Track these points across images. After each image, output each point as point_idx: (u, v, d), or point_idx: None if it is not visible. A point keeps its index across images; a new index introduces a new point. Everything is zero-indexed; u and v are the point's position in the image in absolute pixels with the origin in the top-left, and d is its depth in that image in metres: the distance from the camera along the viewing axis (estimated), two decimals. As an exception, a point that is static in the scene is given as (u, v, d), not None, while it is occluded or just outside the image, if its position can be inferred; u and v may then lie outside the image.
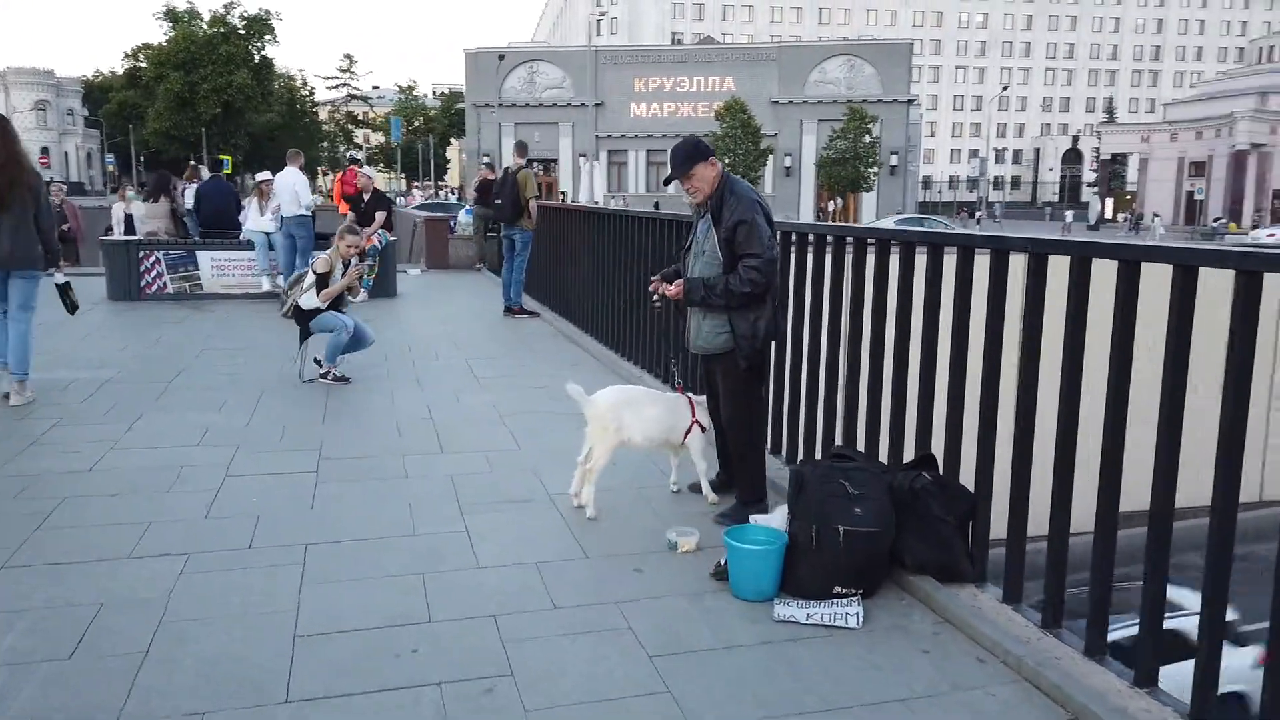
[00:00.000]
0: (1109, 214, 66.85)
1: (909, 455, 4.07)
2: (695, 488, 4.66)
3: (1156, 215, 57.69)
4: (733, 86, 55.28)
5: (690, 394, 4.61)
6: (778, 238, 4.47)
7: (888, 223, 36.10)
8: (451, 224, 17.31)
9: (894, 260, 4.12)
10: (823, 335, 4.63)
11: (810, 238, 4.94)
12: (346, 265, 7.34)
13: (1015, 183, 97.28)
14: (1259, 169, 57.52)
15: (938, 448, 3.82)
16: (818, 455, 4.53)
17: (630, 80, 58.17)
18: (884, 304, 4.24)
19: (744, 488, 4.36)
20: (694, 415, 4.49)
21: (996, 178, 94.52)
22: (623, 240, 8.03)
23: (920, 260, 3.96)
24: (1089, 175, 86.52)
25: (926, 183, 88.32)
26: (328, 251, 7.44)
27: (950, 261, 3.72)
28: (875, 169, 49.23)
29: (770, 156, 50.35)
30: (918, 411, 3.94)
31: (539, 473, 5.00)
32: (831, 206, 50.53)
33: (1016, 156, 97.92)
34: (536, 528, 4.23)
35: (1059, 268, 3.28)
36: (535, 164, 49.65)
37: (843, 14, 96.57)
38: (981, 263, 3.59)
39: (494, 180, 16.33)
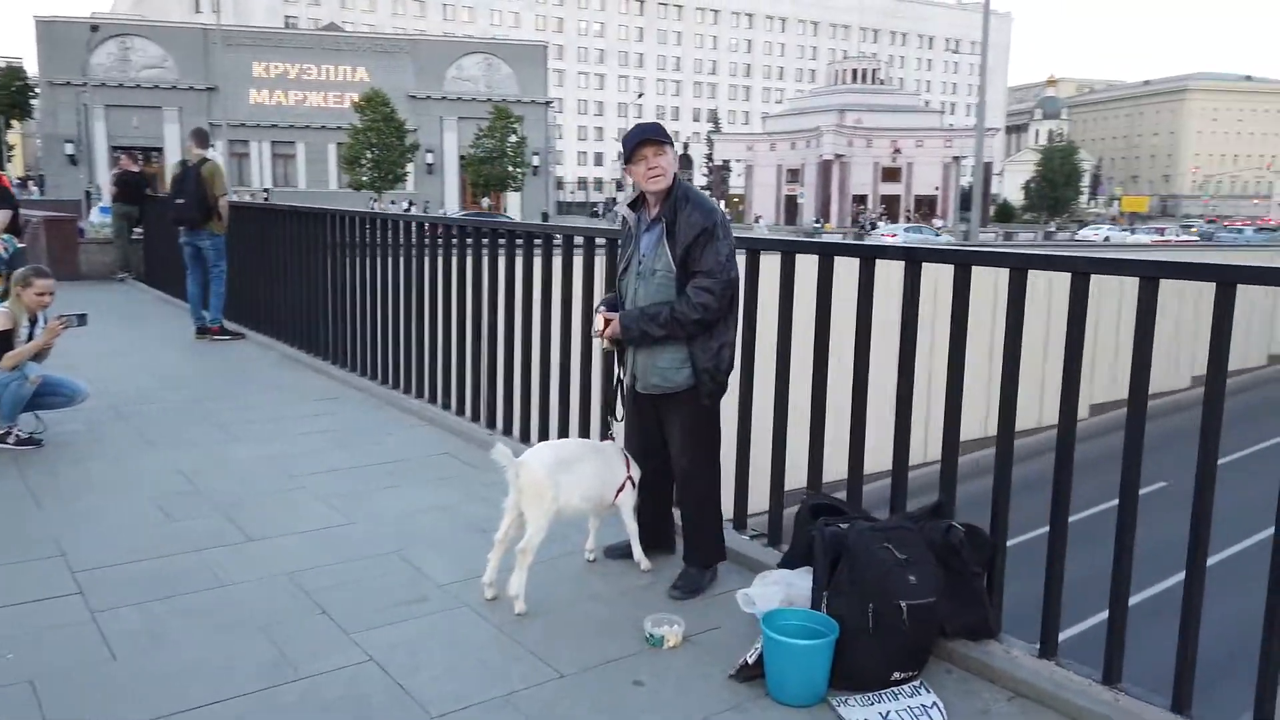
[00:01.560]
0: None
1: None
2: (615, 553, 3.91)
3: (759, 217, 64.44)
4: (366, 78, 52.62)
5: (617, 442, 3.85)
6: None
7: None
8: (80, 226, 14.25)
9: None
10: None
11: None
12: (34, 321, 5.47)
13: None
14: (841, 176, 66.51)
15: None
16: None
17: (248, 64, 53.10)
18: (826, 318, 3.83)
19: (705, 549, 3.70)
20: (628, 469, 3.75)
21: (619, 180, 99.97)
22: (377, 247, 6.89)
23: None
24: (700, 179, 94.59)
25: (559, 184, 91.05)
26: (5, 304, 5.50)
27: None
28: (523, 169, 49.56)
29: (415, 152, 48.65)
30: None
31: (406, 555, 3.93)
32: (486, 203, 50.03)
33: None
34: (462, 639, 3.24)
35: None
36: (148, 155, 43.56)
37: (467, 12, 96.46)
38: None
39: (137, 172, 13.80)
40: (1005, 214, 78.36)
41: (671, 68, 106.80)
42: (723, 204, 73.91)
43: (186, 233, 8.97)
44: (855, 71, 72.39)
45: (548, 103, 57.88)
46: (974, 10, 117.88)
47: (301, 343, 8.28)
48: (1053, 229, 63.23)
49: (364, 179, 46.38)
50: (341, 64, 54.36)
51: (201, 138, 9.27)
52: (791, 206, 67.91)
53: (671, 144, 3.55)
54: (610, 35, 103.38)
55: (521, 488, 3.42)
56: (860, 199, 65.81)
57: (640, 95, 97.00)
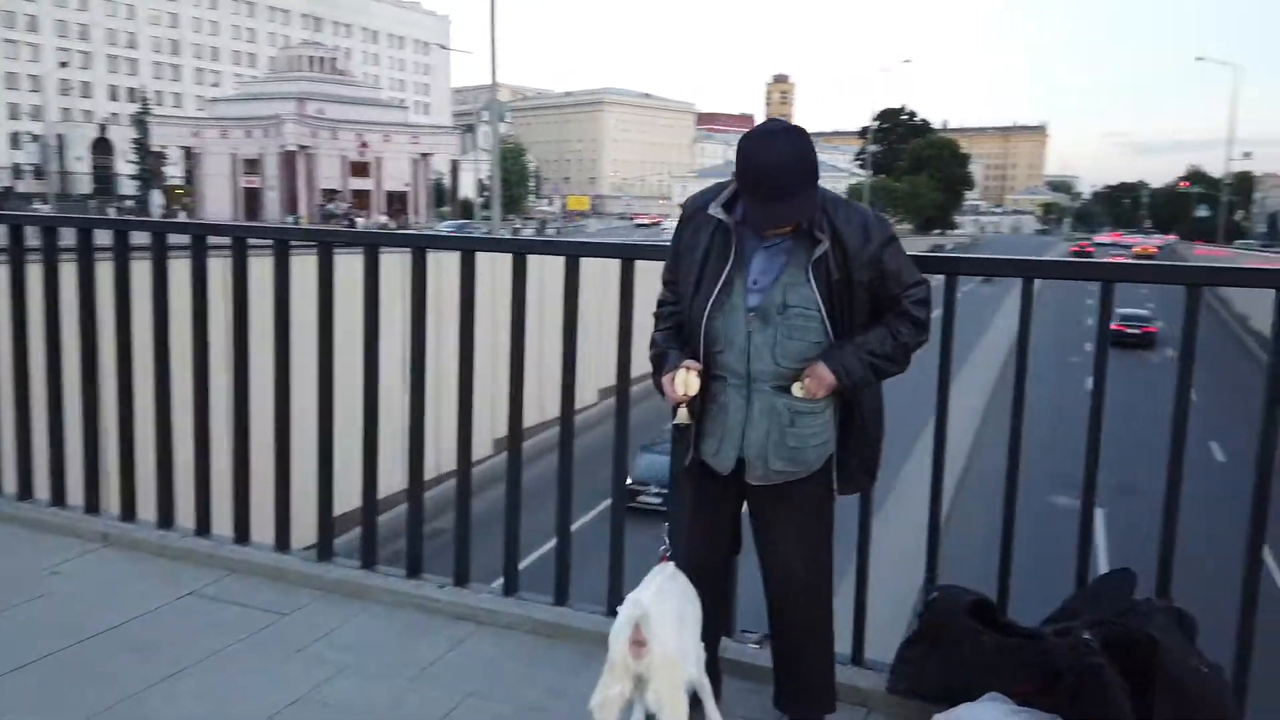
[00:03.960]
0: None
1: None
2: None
3: (181, 211, 58.83)
4: None
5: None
6: None
7: None
8: None
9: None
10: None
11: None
12: None
13: (38, 172, 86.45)
14: (308, 168, 62.61)
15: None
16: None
17: None
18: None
19: (819, 695, 2.58)
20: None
21: (16, 165, 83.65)
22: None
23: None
24: (125, 167, 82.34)
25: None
26: None
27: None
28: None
29: None
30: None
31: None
32: None
33: (35, 142, 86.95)
34: None
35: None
36: None
37: None
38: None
39: None
40: (466, 211, 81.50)
41: (76, 35, 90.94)
42: (161, 195, 65.17)
43: None
44: (312, 59, 68.52)
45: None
46: (411, 9, 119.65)
47: None
48: (519, 225, 67.56)
49: None
50: None
51: None
52: (253, 199, 62.42)
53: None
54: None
55: (652, 670, 2.07)
56: (330, 193, 62.77)
57: (64, 65, 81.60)
